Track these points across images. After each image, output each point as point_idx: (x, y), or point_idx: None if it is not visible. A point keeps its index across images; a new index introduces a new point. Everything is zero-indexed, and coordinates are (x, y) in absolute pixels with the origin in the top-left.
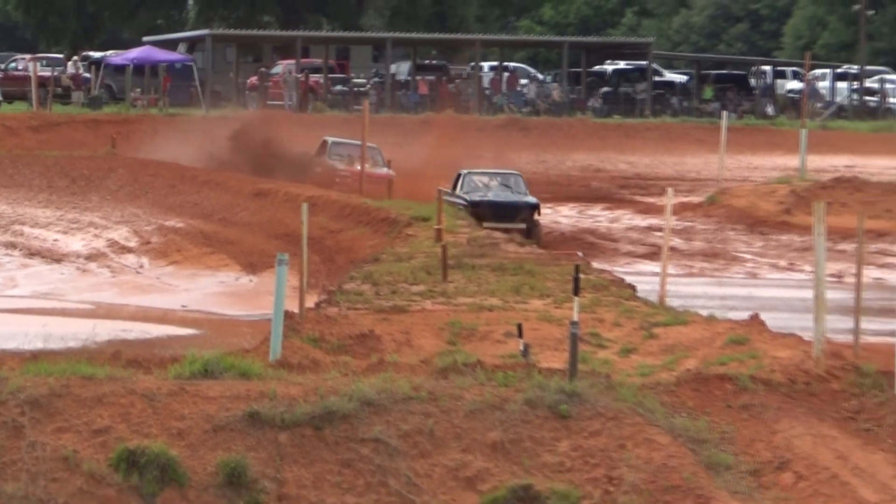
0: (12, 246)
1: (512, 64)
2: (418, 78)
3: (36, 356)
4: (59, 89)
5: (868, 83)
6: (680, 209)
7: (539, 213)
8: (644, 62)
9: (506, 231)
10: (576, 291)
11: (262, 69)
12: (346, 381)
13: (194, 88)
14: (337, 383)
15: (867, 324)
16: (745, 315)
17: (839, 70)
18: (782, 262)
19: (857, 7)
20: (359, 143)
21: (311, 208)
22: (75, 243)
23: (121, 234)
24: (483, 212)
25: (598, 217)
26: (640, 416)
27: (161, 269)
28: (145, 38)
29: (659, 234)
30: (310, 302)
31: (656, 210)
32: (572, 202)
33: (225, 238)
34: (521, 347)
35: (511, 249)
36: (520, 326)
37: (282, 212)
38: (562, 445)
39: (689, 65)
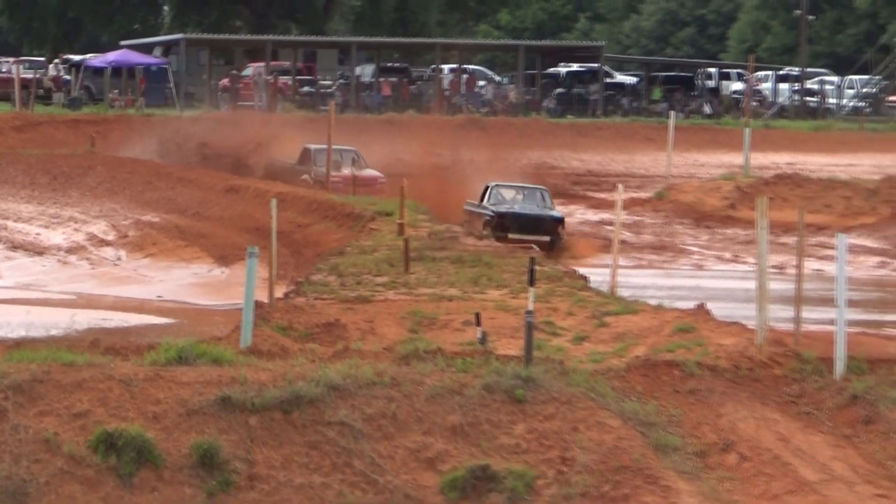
0: None
1: (470, 66)
2: (381, 80)
3: (19, 344)
4: (41, 91)
5: (808, 84)
6: (630, 204)
7: (563, 227)
8: (596, 65)
9: (530, 243)
10: (531, 282)
11: (234, 72)
12: (313, 368)
13: (169, 90)
14: (304, 369)
15: (808, 313)
16: (691, 305)
17: (781, 72)
18: (727, 255)
19: (798, 12)
20: (342, 147)
21: (279, 204)
22: (56, 237)
23: (99, 228)
24: (509, 223)
25: None
26: (592, 400)
27: (138, 262)
28: (123, 42)
29: (610, 227)
30: (279, 292)
31: (607, 205)
32: None
33: (198, 232)
34: (480, 335)
35: (469, 243)
36: (478, 315)
37: (252, 207)
38: (518, 428)
39: (638, 67)
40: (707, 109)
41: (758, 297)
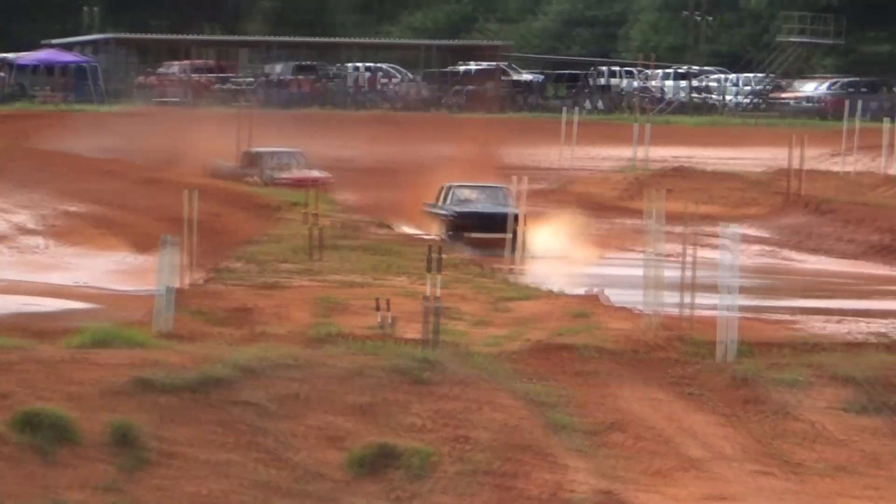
0: None
1: (381, 64)
2: (295, 77)
3: None
4: None
5: (699, 82)
6: (532, 195)
7: (524, 224)
8: (498, 63)
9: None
10: (434, 269)
11: (154, 69)
12: (225, 350)
13: (95, 86)
14: (217, 352)
15: (696, 298)
16: (587, 291)
17: (674, 70)
18: (622, 243)
19: (689, 13)
20: (287, 150)
21: (197, 195)
22: None
23: (26, 217)
24: (469, 222)
25: None
26: (490, 382)
27: (62, 250)
28: (52, 42)
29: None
30: (195, 279)
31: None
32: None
33: (121, 221)
34: (384, 320)
35: (375, 232)
36: (384, 301)
37: (171, 198)
38: (419, 408)
39: (540, 65)
40: (601, 105)
41: (648, 284)
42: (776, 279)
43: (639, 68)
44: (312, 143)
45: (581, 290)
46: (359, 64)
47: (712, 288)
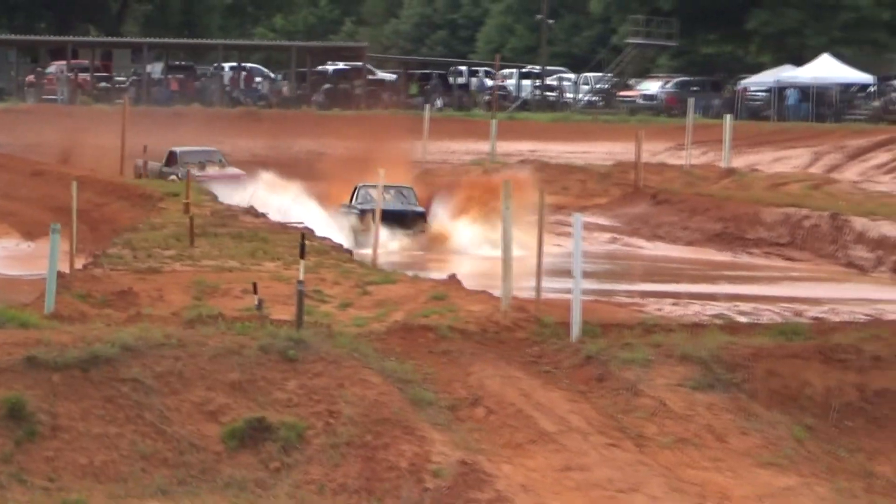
0: None
1: (248, 65)
2: (170, 76)
3: None
4: None
5: (548, 81)
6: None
7: (426, 221)
8: (359, 63)
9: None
10: (302, 255)
11: (39, 69)
12: (109, 331)
13: None
14: (101, 332)
15: (547, 283)
16: (445, 275)
17: (524, 70)
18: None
19: (539, 17)
20: (205, 149)
21: (79, 186)
22: None
23: None
24: (367, 219)
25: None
26: (355, 359)
27: None
28: None
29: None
30: (79, 264)
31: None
32: (300, 180)
33: (7, 211)
34: (256, 302)
35: (247, 220)
36: (255, 285)
37: (56, 189)
38: (290, 384)
39: (397, 65)
40: (439, 103)
41: (503, 269)
42: (623, 265)
43: (492, 69)
44: (184, 138)
45: (437, 275)
46: (226, 64)
47: (558, 272)
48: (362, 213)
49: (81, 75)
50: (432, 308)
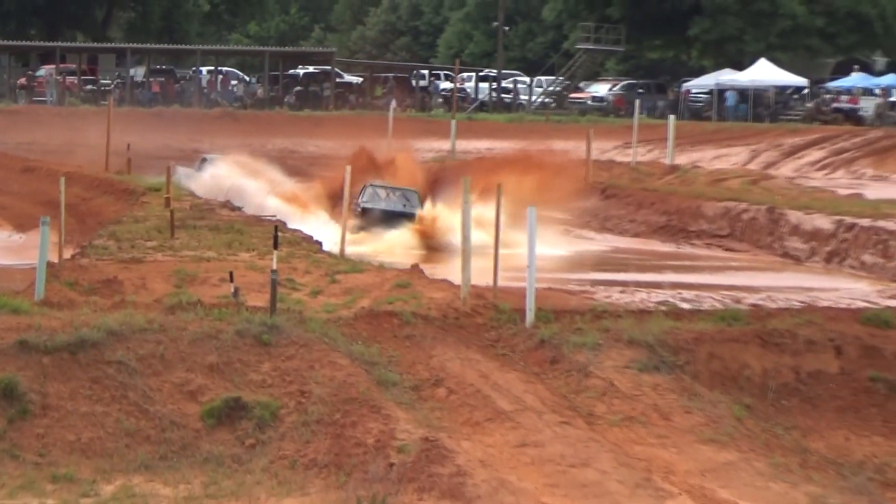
0: None
1: (225, 68)
2: (151, 79)
3: None
4: None
5: (504, 84)
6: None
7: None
8: (328, 67)
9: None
10: (275, 246)
11: (29, 72)
12: (95, 316)
13: None
14: (88, 318)
15: (504, 272)
16: (408, 265)
17: (482, 73)
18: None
19: (495, 24)
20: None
21: (67, 181)
22: None
23: None
24: (372, 218)
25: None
26: (325, 343)
27: None
28: None
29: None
30: (67, 254)
31: (339, 183)
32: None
33: (2, 205)
34: (233, 290)
35: (224, 213)
36: (231, 274)
37: (45, 184)
38: (264, 366)
39: (364, 69)
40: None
41: (462, 259)
42: (575, 255)
43: (452, 72)
44: (165, 137)
45: (401, 265)
46: (204, 68)
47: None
48: (364, 211)
49: (69, 78)
50: (397, 295)
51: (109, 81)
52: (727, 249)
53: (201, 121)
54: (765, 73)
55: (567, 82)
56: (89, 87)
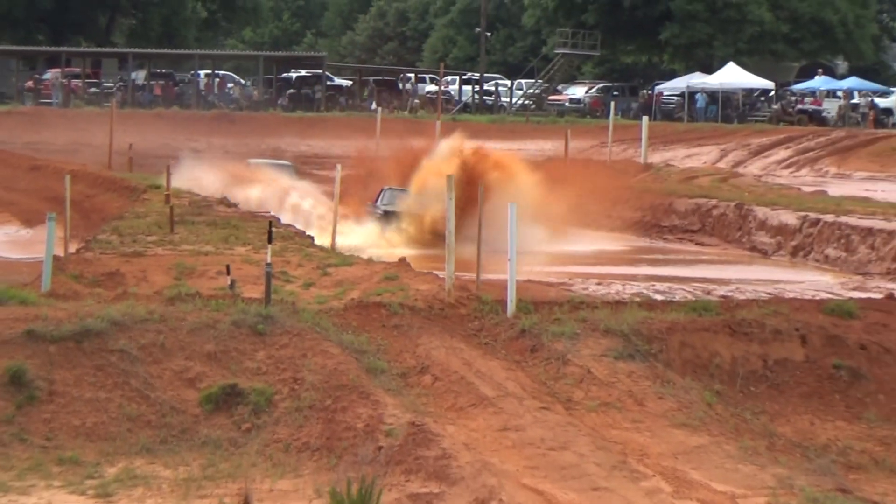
0: None
1: (221, 72)
2: (152, 82)
3: None
4: None
5: (486, 86)
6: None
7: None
8: (319, 71)
9: None
10: (269, 240)
11: (36, 75)
12: (99, 307)
13: None
14: (92, 308)
15: (487, 265)
16: (395, 259)
17: (465, 76)
18: None
19: (478, 30)
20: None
21: (72, 179)
22: None
23: None
24: (391, 220)
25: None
26: (317, 333)
27: None
28: None
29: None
30: (72, 248)
31: (329, 181)
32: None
33: (8, 201)
34: (229, 282)
35: (221, 210)
36: (228, 267)
37: (52, 181)
38: (259, 355)
39: (353, 73)
40: (373, 105)
41: (447, 253)
42: (555, 249)
43: (437, 76)
44: (165, 137)
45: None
46: (201, 72)
47: (497, 256)
48: (385, 214)
49: (74, 81)
50: (385, 287)
51: (112, 84)
52: (698, 244)
53: (199, 122)
54: (733, 76)
55: (546, 85)
56: (93, 89)
